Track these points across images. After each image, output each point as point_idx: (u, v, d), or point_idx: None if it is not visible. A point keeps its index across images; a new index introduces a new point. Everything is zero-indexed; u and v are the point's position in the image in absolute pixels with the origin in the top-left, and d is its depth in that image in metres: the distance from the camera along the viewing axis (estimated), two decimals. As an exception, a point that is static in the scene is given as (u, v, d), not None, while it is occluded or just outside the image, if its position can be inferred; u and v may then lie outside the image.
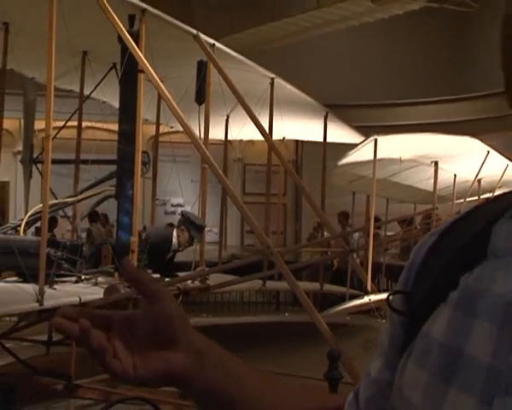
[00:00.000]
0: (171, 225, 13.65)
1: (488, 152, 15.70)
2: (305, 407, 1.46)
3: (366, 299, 13.75)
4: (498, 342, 1.03)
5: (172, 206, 22.18)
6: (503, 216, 1.14)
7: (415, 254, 1.30)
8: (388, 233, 20.04)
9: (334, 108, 18.90)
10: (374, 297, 13.52)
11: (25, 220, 13.16)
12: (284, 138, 18.80)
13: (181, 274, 12.93)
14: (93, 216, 14.67)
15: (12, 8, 11.64)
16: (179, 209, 16.73)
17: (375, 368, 1.35)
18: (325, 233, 17.72)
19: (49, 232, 14.21)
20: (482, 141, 15.49)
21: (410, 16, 22.26)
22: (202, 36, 12.81)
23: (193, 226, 12.79)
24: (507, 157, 16.26)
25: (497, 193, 16.79)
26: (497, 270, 1.09)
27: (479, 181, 16.86)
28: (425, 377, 1.12)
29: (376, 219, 20.02)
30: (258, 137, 14.09)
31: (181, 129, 11.43)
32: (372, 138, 14.60)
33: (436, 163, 15.89)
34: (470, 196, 17.49)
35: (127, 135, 11.97)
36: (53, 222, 15.71)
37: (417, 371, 1.14)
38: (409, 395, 1.15)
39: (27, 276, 10.80)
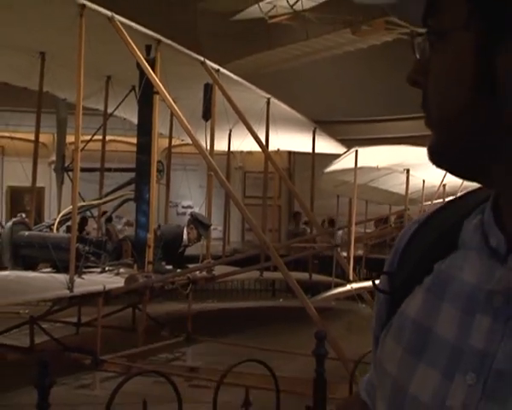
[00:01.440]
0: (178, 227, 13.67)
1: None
2: None
3: (348, 287, 13.76)
4: (462, 325, 1.03)
5: (183, 207, 22.06)
6: (473, 213, 1.14)
7: (399, 240, 1.29)
8: (367, 230, 20.05)
9: (322, 124, 18.90)
10: (355, 285, 13.53)
11: (57, 220, 13.16)
12: (279, 149, 18.79)
13: (190, 266, 12.94)
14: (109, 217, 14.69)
15: (47, 40, 11.69)
16: (189, 210, 16.72)
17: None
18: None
19: (83, 231, 14.24)
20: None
21: (386, 46, 22.20)
22: (208, 62, 12.84)
23: (200, 225, 12.80)
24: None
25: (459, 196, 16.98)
26: (465, 260, 1.09)
27: (444, 186, 16.89)
28: (400, 351, 1.12)
29: (332, 222, 20.07)
30: (257, 148, 14.11)
31: (190, 142, 11.43)
32: (353, 150, 14.63)
33: (408, 171, 15.92)
34: (436, 199, 17.50)
35: (144, 147, 11.98)
36: (84, 221, 15.71)
37: (394, 345, 1.14)
38: (387, 366, 1.15)
39: (60, 267, 10.83)
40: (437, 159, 1.08)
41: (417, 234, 1.25)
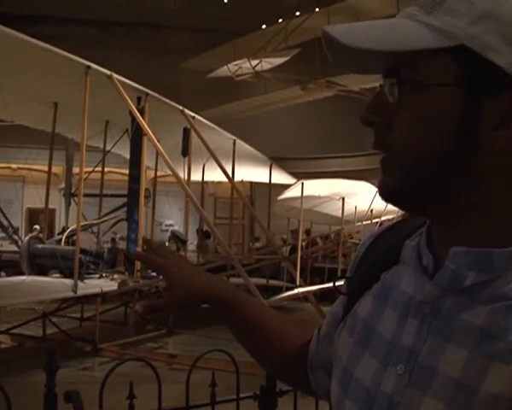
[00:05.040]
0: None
1: (376, 191, 15.89)
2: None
3: (295, 291, 13.77)
4: (397, 326, 1.03)
5: (166, 226, 21.98)
6: (413, 234, 1.13)
7: (358, 250, 1.29)
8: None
9: (276, 160, 18.95)
10: (301, 289, 13.55)
11: (65, 235, 13.07)
12: (242, 180, 18.78)
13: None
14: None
15: (59, 93, 11.72)
16: (170, 228, 16.64)
17: (328, 316, 1.35)
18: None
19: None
20: (373, 184, 15.71)
21: (328, 99, 22.43)
22: (186, 111, 12.85)
23: (179, 240, 12.81)
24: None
25: (382, 219, 17.14)
26: (404, 273, 1.09)
27: (371, 211, 17.00)
28: (351, 342, 1.12)
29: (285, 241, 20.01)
30: (225, 179, 14.09)
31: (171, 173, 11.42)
32: (300, 182, 14.74)
33: (343, 198, 16.02)
34: (366, 220, 17.64)
35: (135, 177, 11.96)
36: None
37: (347, 337, 1.14)
38: (341, 353, 1.15)
39: (66, 273, 10.78)
40: (395, 197, 1.03)
41: (371, 247, 1.25)
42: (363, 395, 1.05)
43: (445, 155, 0.96)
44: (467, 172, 0.97)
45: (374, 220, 17.54)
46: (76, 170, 13.34)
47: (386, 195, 1.04)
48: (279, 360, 1.45)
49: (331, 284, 1.32)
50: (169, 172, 12.41)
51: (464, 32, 0.93)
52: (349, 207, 16.70)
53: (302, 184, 14.60)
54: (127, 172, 12.67)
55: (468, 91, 0.94)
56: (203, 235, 19.08)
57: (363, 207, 16.83)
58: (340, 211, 16.32)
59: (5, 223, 13.36)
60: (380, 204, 16.77)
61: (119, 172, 17.58)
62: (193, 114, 13.31)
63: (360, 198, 16.30)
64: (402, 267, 1.11)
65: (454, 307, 0.98)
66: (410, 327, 1.01)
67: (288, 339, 1.44)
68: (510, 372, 0.89)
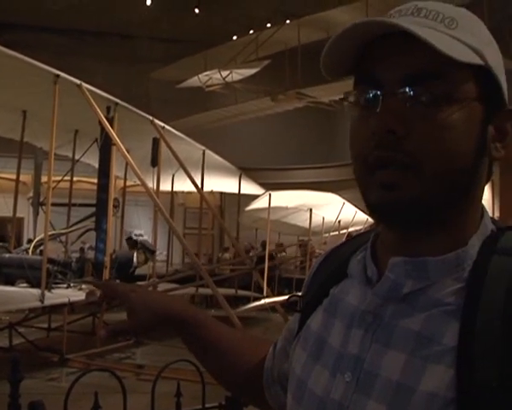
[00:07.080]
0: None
1: (344, 203, 16.05)
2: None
3: (262, 301, 13.78)
4: (344, 336, 1.07)
5: (135, 235, 21.88)
6: (358, 250, 1.17)
7: (311, 269, 1.32)
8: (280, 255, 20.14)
9: (246, 171, 18.97)
10: (268, 300, 13.56)
11: (32, 245, 12.93)
12: (212, 190, 18.79)
13: (140, 283, 12.80)
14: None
15: (28, 101, 11.61)
16: (139, 238, 16.52)
17: (285, 332, 1.37)
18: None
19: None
20: (340, 196, 15.81)
21: (298, 110, 22.55)
22: (156, 121, 12.81)
23: (147, 250, 12.74)
24: (356, 206, 16.60)
25: (350, 230, 17.21)
26: (351, 286, 1.13)
27: (339, 222, 17.10)
28: (305, 356, 1.15)
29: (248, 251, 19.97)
30: (195, 189, 14.06)
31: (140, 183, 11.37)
32: (267, 193, 14.77)
33: (311, 210, 16.08)
34: (333, 232, 17.71)
35: (104, 186, 11.88)
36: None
37: (301, 352, 1.17)
38: (294, 366, 1.18)
39: (33, 283, 10.66)
40: (413, 211, 0.98)
41: (322, 265, 1.29)
42: (315, 404, 1.08)
43: (471, 167, 1.00)
44: (480, 184, 1.04)
45: (341, 231, 17.66)
46: (44, 179, 13.20)
47: (402, 209, 0.98)
48: (238, 379, 1.47)
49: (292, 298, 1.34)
50: (138, 182, 12.37)
51: (488, 55, 1.00)
52: (317, 218, 16.77)
53: (269, 194, 14.63)
54: (96, 181, 12.60)
55: (486, 107, 1.00)
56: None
57: (330, 218, 16.92)
58: (308, 222, 16.37)
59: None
60: (347, 215, 16.88)
61: (87, 182, 17.45)
62: (162, 124, 13.28)
63: (328, 209, 16.40)
64: (349, 281, 1.15)
65: (394, 314, 1.02)
66: (355, 336, 1.05)
67: (246, 358, 1.45)
68: (443, 371, 0.93)
